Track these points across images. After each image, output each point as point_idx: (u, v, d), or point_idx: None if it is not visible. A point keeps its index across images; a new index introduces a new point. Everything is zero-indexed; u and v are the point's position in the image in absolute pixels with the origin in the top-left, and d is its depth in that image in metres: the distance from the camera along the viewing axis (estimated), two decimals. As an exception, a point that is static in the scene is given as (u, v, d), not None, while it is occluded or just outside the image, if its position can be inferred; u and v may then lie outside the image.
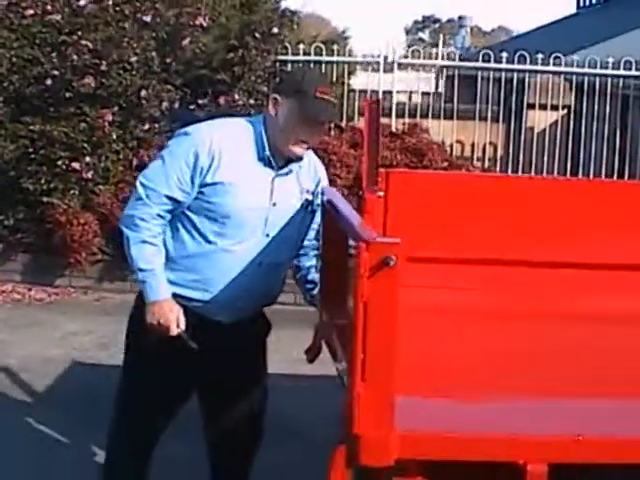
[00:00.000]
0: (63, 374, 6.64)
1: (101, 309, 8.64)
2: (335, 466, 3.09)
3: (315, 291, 3.96)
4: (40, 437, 5.47)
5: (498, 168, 10.74)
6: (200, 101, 9.37)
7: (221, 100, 9.11)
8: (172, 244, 3.76)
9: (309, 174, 3.91)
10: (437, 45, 11.34)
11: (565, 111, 10.88)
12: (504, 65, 10.53)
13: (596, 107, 10.47)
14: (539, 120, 10.80)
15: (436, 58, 10.88)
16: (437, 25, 61.93)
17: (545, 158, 10.61)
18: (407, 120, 10.37)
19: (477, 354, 3.57)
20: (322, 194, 3.89)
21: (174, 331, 3.69)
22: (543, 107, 10.76)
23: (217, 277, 3.74)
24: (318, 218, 3.95)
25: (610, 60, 10.31)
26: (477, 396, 3.34)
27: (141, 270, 3.70)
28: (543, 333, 3.62)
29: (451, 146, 10.75)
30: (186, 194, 3.69)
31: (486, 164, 10.75)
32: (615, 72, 10.37)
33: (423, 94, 11.09)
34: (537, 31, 21.72)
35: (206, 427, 4.11)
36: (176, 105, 9.44)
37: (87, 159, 8.86)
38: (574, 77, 10.62)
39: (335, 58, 10.66)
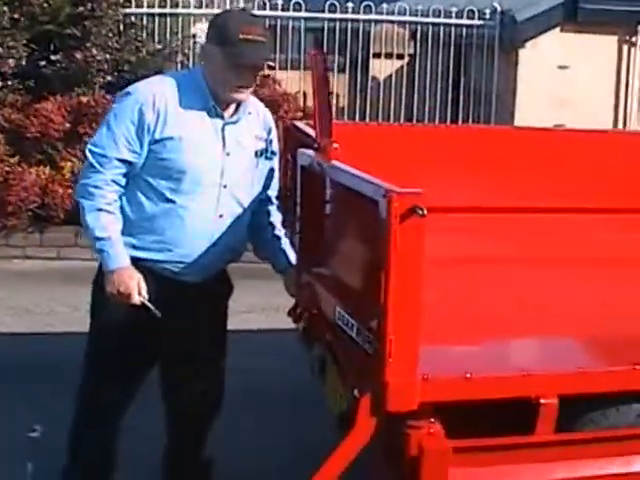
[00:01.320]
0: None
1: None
2: (361, 415, 3.16)
3: (282, 245, 3.97)
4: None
5: (346, 117, 10.87)
6: (52, 57, 9.07)
7: (77, 55, 8.85)
8: (130, 208, 3.66)
9: (259, 121, 3.84)
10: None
11: (408, 60, 11.11)
12: (350, 15, 10.66)
13: (440, 55, 10.76)
14: (385, 69, 11.00)
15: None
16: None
17: (392, 106, 10.84)
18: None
19: (471, 299, 3.70)
20: (296, 157, 3.88)
21: (136, 299, 3.58)
22: (388, 56, 10.96)
23: (179, 235, 3.66)
24: (275, 166, 3.95)
25: (454, 10, 10.60)
26: (488, 339, 3.47)
27: (98, 239, 3.60)
28: (538, 276, 3.78)
29: (295, 96, 10.78)
30: (136, 154, 3.60)
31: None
32: (458, 21, 10.67)
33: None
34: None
35: (167, 393, 3.98)
36: (24, 62, 9.10)
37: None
38: (418, 26, 10.82)
39: (179, 10, 10.54)
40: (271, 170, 3.92)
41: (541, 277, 3.73)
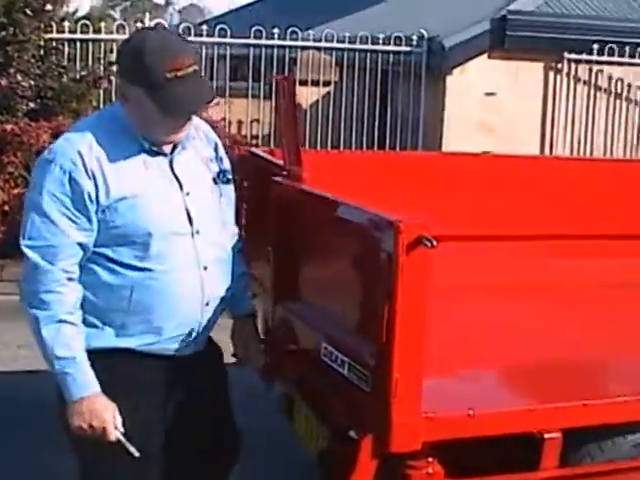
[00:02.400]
0: None
1: None
2: (362, 458, 3.01)
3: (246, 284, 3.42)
4: None
5: (272, 144, 10.73)
6: (-26, 83, 8.78)
7: (2, 82, 8.56)
8: (97, 294, 2.98)
9: (202, 142, 3.20)
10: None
11: (334, 86, 11.04)
12: (276, 41, 10.54)
13: (367, 82, 10.71)
14: (311, 95, 10.91)
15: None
16: (128, 3, 61.00)
17: (319, 132, 10.74)
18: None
19: (466, 331, 3.59)
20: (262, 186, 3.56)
21: (112, 435, 2.94)
22: (314, 83, 10.88)
23: (166, 306, 3.01)
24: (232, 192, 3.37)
25: (381, 36, 10.56)
26: (488, 372, 3.36)
27: (59, 358, 2.90)
28: (531, 304, 3.71)
29: (221, 123, 10.62)
30: (88, 232, 2.93)
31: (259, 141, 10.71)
32: (385, 47, 10.61)
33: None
34: (247, 8, 21.14)
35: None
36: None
37: None
38: (345, 53, 10.75)
39: (101, 36, 10.29)
40: (232, 195, 3.34)
41: (541, 307, 3.65)
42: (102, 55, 10.30)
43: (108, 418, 2.93)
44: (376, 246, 2.92)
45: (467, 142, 9.75)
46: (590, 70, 10.84)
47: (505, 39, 10.30)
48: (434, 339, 2.99)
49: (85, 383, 2.93)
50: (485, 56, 10.47)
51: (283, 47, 10.65)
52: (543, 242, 3.72)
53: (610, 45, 10.55)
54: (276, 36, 10.51)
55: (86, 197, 2.90)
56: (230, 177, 3.28)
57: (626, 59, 10.75)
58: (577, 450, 3.28)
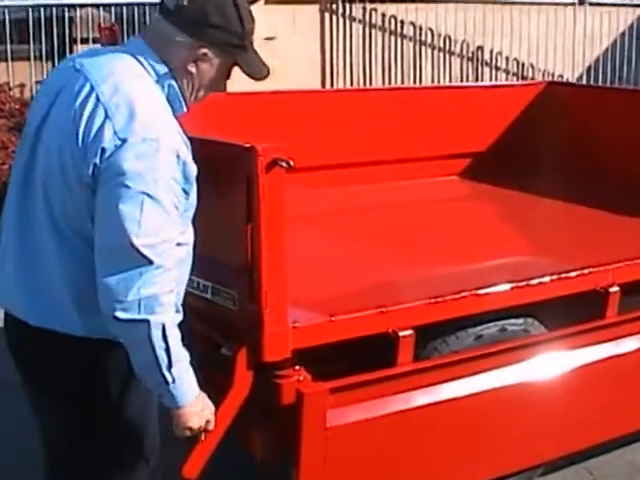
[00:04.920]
0: None
1: None
2: (239, 371, 3.18)
3: None
4: None
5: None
6: None
7: None
8: None
9: None
10: None
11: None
12: (54, 1, 10.38)
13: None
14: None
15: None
16: None
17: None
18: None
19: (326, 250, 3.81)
20: None
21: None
22: (95, 41, 10.76)
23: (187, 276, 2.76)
24: None
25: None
26: (346, 283, 3.61)
27: (179, 362, 2.51)
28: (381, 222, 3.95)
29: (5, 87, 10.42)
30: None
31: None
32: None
33: None
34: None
35: None
36: None
37: None
38: (124, 9, 10.68)
39: None
40: None
41: (385, 222, 3.91)
42: None
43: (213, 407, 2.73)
44: (236, 173, 3.09)
45: (250, 87, 9.93)
46: (364, 9, 11.22)
47: (279, -17, 10.51)
48: (293, 257, 3.20)
49: (195, 379, 2.60)
50: (262, 2, 10.63)
51: (61, 6, 10.49)
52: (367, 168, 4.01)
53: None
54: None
55: (193, 181, 2.56)
56: None
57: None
58: (424, 347, 3.58)
